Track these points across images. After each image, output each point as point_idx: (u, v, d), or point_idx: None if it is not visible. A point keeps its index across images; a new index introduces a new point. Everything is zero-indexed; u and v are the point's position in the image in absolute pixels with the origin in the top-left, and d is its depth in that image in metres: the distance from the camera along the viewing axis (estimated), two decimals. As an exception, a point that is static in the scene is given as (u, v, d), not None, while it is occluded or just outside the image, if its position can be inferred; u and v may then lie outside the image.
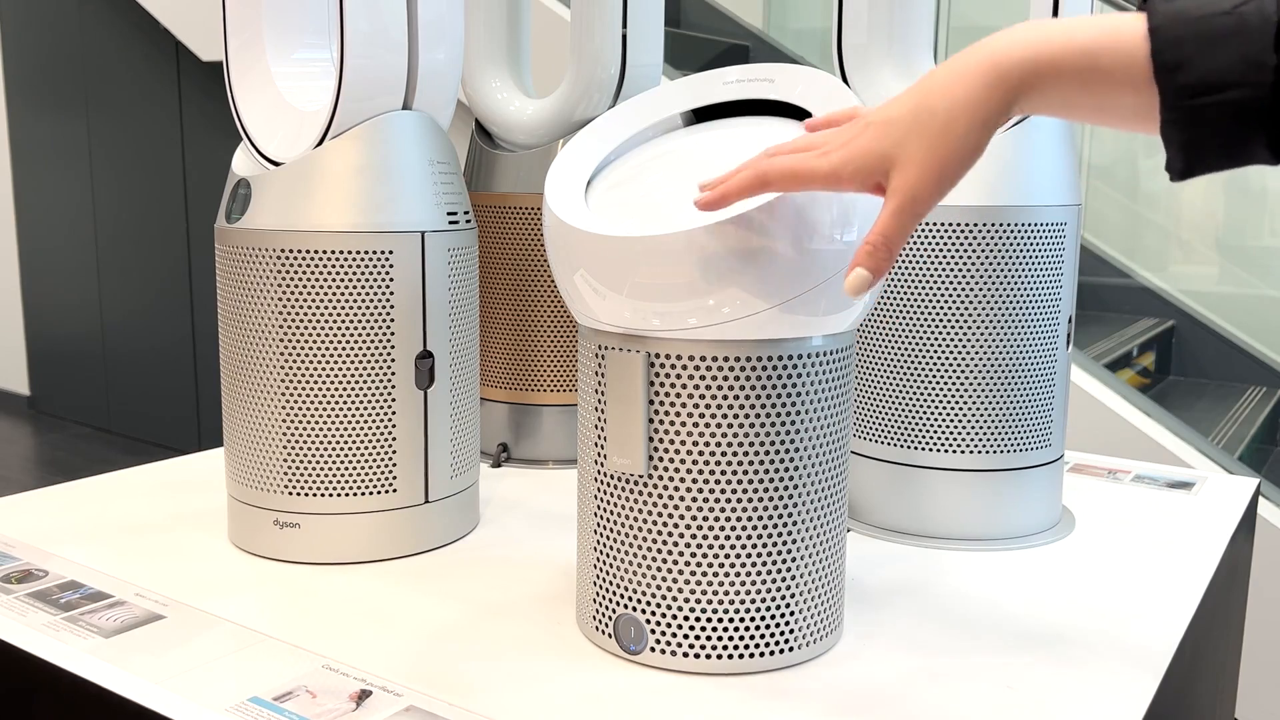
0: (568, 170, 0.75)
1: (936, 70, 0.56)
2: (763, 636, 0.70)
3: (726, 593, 0.69)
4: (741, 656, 0.70)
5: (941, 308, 0.93)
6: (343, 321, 0.85)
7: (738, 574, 0.69)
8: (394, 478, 0.89)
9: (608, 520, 0.72)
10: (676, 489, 0.69)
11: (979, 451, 0.94)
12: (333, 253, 0.85)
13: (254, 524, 0.89)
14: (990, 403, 0.94)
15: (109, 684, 0.68)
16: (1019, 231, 0.91)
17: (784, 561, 0.70)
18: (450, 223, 0.90)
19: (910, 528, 0.96)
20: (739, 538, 0.69)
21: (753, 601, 0.70)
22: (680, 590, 0.70)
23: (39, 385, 4.43)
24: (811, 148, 0.59)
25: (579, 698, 0.67)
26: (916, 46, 1.02)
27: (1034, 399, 0.95)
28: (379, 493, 0.88)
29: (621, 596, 0.72)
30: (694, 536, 0.69)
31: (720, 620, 0.70)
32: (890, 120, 0.55)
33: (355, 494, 0.88)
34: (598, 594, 0.74)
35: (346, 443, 0.87)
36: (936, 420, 0.94)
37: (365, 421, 0.87)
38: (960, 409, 0.94)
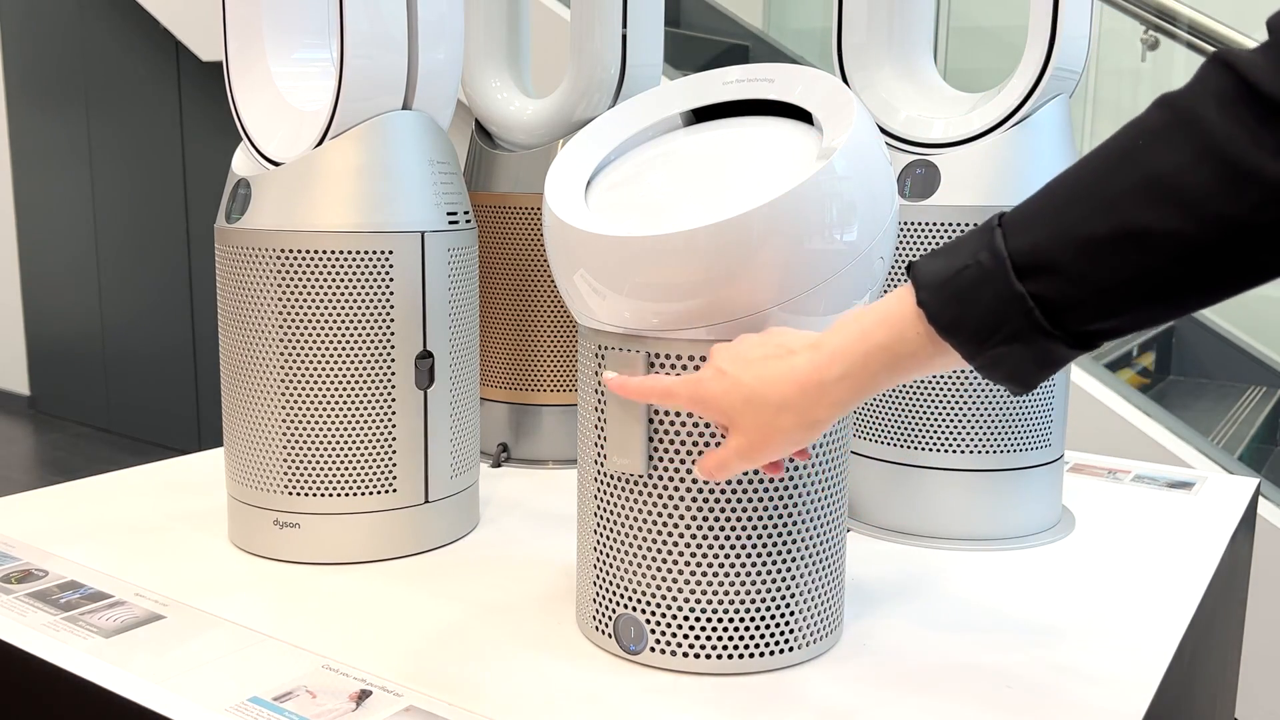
0: (568, 170, 0.75)
1: (771, 355, 0.60)
2: (763, 636, 0.70)
3: (726, 593, 0.69)
4: (741, 656, 0.70)
5: (941, 308, 0.93)
6: (343, 321, 0.85)
7: (738, 574, 0.69)
8: (394, 478, 0.89)
9: (608, 520, 0.72)
10: (676, 489, 0.69)
11: (979, 451, 0.94)
12: (333, 253, 0.85)
13: (254, 524, 0.89)
14: (990, 403, 0.94)
15: (109, 684, 0.68)
16: (1019, 231, 0.91)
17: (784, 561, 0.70)
18: (450, 223, 0.90)
19: (910, 528, 0.96)
20: (739, 538, 0.69)
21: (753, 601, 0.70)
22: (680, 590, 0.70)
23: (39, 385, 4.43)
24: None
25: (579, 698, 0.67)
26: (916, 46, 1.02)
27: (1034, 399, 0.95)
28: (379, 493, 0.88)
29: (621, 596, 0.72)
30: (694, 536, 0.69)
31: (720, 620, 0.70)
32: (731, 386, 0.60)
33: (355, 494, 0.88)
34: (598, 594, 0.74)
35: (346, 443, 0.87)
36: (936, 420, 0.94)
37: (365, 421, 0.87)
38: (960, 409, 0.94)
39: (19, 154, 4.30)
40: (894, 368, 0.56)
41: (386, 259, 0.86)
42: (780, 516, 0.69)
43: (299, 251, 0.85)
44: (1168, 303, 0.50)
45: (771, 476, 0.68)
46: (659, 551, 0.70)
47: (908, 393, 0.95)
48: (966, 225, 0.91)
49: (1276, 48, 0.46)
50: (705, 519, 0.68)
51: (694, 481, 0.68)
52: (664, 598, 0.70)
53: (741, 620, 0.70)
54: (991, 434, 0.94)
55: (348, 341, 0.86)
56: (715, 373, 0.61)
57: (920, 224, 0.93)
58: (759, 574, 0.69)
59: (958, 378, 0.93)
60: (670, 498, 0.69)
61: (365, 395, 0.87)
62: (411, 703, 0.66)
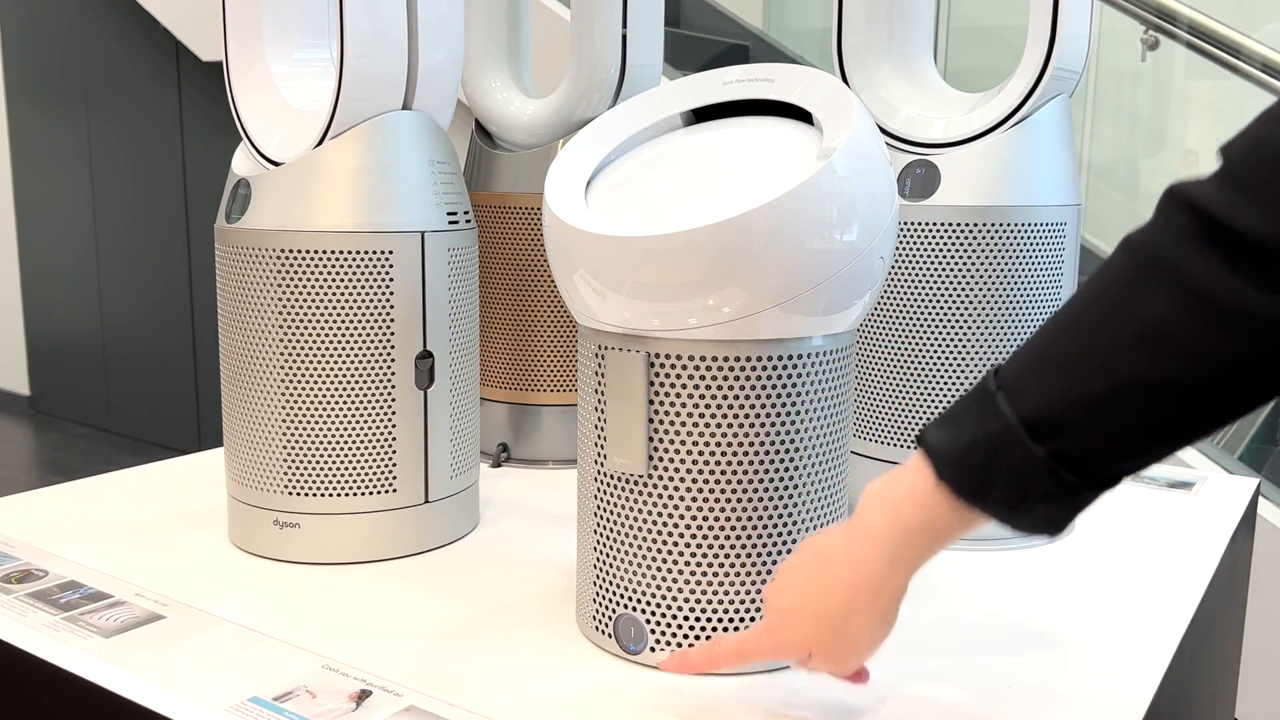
0: (568, 170, 0.75)
1: (815, 572, 0.60)
2: (763, 636, 0.70)
3: (726, 593, 0.69)
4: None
5: (941, 308, 0.93)
6: (343, 321, 0.85)
7: (738, 574, 0.69)
8: (394, 478, 0.89)
9: (608, 520, 0.72)
10: (676, 489, 0.69)
11: (979, 451, 0.94)
12: (333, 253, 0.85)
13: (254, 524, 0.89)
14: (990, 403, 0.93)
15: (109, 684, 0.68)
16: (1019, 231, 0.91)
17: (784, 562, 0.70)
18: (450, 223, 0.90)
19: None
20: (739, 538, 0.69)
21: (753, 601, 0.70)
22: (680, 590, 0.70)
23: (39, 385, 4.43)
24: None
25: (579, 698, 0.67)
26: (916, 46, 1.02)
27: (1034, 399, 0.94)
28: (379, 493, 0.88)
29: (621, 596, 0.72)
30: (694, 536, 0.69)
31: (720, 620, 0.70)
32: (798, 620, 0.60)
33: (355, 494, 0.88)
34: (598, 594, 0.74)
35: (346, 443, 0.87)
36: (936, 420, 0.94)
37: (365, 421, 0.87)
38: (960, 409, 0.93)
39: (19, 154, 4.29)
40: (934, 542, 0.56)
41: (386, 259, 0.86)
42: (780, 517, 0.69)
43: (299, 251, 0.85)
44: (1184, 439, 0.50)
45: (772, 476, 0.68)
46: (659, 551, 0.70)
47: (908, 393, 0.95)
48: (966, 225, 0.91)
49: (1231, 177, 0.46)
50: (705, 519, 0.68)
51: (694, 481, 0.68)
52: (664, 598, 0.70)
53: (741, 620, 0.70)
54: (991, 434, 0.94)
55: (348, 341, 0.86)
56: (781, 616, 0.61)
57: (920, 224, 0.93)
58: (759, 574, 0.69)
59: (958, 378, 0.93)
60: (670, 498, 0.69)
61: (365, 395, 0.87)
62: (411, 703, 0.66)
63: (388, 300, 0.86)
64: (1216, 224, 0.46)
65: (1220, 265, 0.45)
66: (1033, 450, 0.50)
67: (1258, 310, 0.45)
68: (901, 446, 0.96)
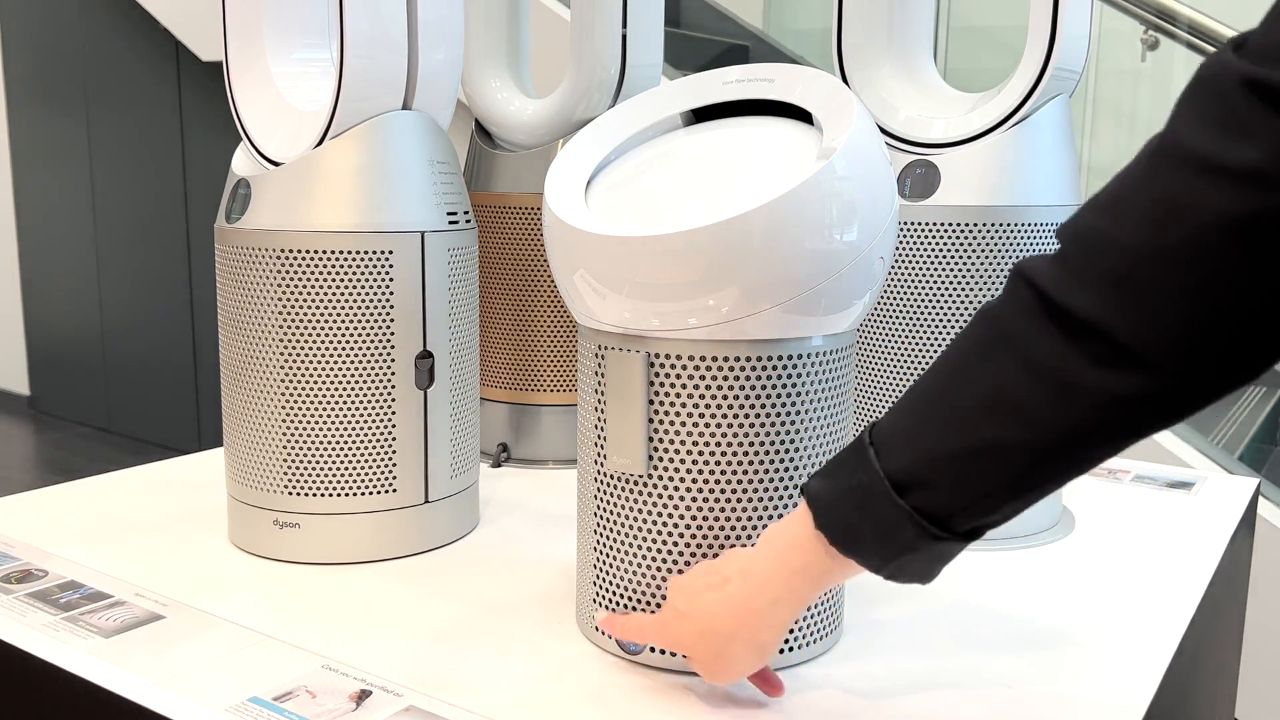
0: (568, 170, 0.75)
1: (712, 585, 0.64)
2: (763, 636, 0.70)
3: (726, 593, 0.69)
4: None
5: (941, 308, 0.93)
6: (343, 321, 0.85)
7: (738, 574, 0.69)
8: (394, 478, 0.89)
9: (608, 520, 0.72)
10: (676, 489, 0.69)
11: (979, 451, 0.94)
12: (333, 253, 0.85)
13: (254, 524, 0.89)
14: (990, 403, 0.93)
15: (109, 684, 0.68)
16: (1019, 231, 0.91)
17: (784, 561, 0.70)
18: (450, 223, 0.90)
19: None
20: (739, 538, 0.69)
21: (753, 601, 0.69)
22: (680, 590, 0.69)
23: (39, 385, 4.43)
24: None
25: (579, 698, 0.67)
26: (916, 46, 1.02)
27: (1034, 399, 0.94)
28: (379, 493, 0.88)
29: (621, 596, 0.72)
30: (694, 536, 0.69)
31: (720, 620, 0.69)
32: (687, 624, 0.64)
33: (355, 494, 0.88)
34: (598, 594, 0.74)
35: (346, 443, 0.87)
36: (936, 420, 0.94)
37: (365, 421, 0.87)
38: (960, 409, 0.93)
39: (19, 154, 4.29)
40: (817, 585, 0.60)
41: (386, 259, 0.86)
42: (780, 516, 0.69)
43: (299, 251, 0.85)
44: (1038, 493, 0.53)
45: (772, 476, 0.68)
46: (659, 551, 0.70)
47: (908, 393, 0.95)
48: (966, 225, 0.91)
49: (1062, 259, 0.49)
50: (705, 519, 0.68)
51: (694, 481, 0.68)
52: (664, 598, 0.70)
53: (741, 620, 0.70)
54: (991, 434, 0.94)
55: (348, 341, 0.86)
56: (673, 614, 0.65)
57: (920, 224, 0.93)
58: (759, 574, 0.69)
59: (958, 378, 0.93)
60: (670, 498, 0.69)
61: (365, 395, 0.87)
62: (411, 703, 0.66)
63: (388, 300, 0.86)
64: (1051, 302, 0.49)
65: (1057, 340, 0.49)
66: (898, 503, 0.54)
67: (1091, 383, 0.49)
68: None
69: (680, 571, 0.69)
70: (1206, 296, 0.45)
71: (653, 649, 0.70)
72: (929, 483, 0.54)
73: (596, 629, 0.73)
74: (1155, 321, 0.46)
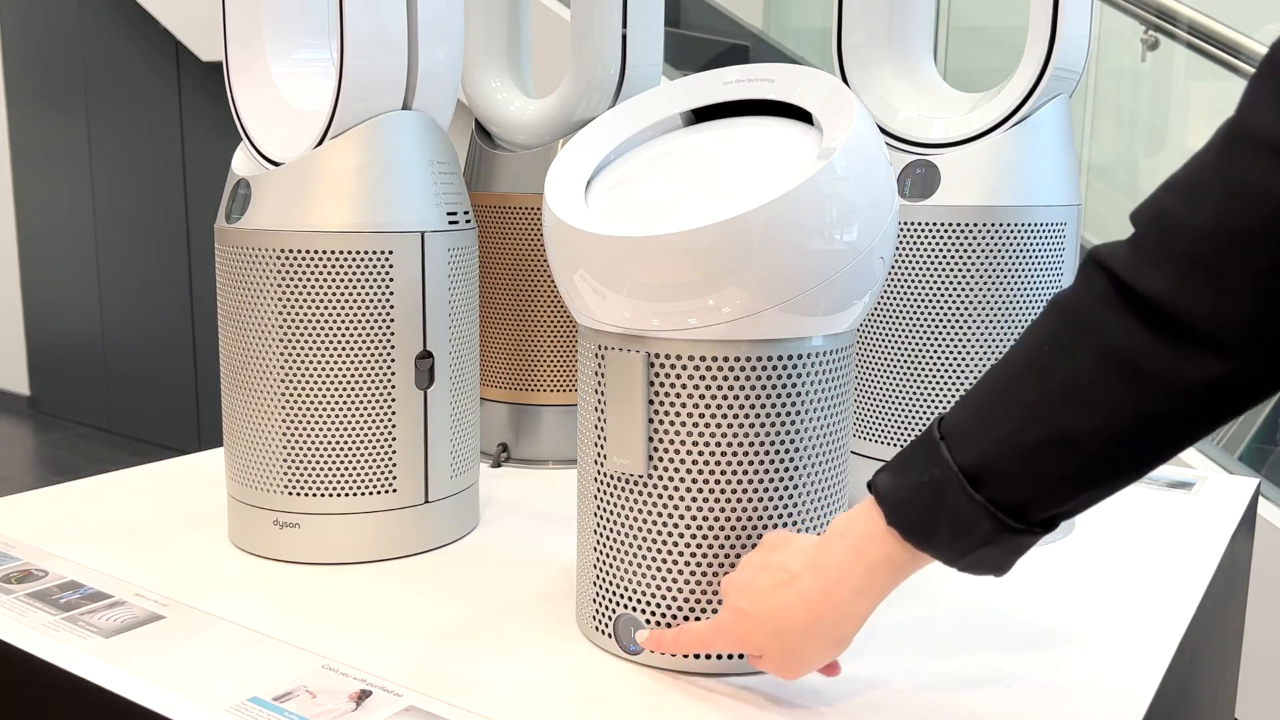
0: (568, 170, 0.75)
1: (779, 583, 0.62)
2: (763, 636, 0.70)
3: (726, 593, 0.69)
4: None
5: (941, 308, 0.93)
6: (343, 321, 0.85)
7: (738, 574, 0.69)
8: (394, 478, 0.89)
9: (608, 520, 0.72)
10: (676, 489, 0.69)
11: (979, 451, 0.94)
12: (333, 253, 0.85)
13: (254, 524, 0.89)
14: (990, 403, 0.93)
15: (109, 684, 0.68)
16: (1019, 231, 0.91)
17: (784, 561, 0.70)
18: (450, 223, 0.90)
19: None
20: (739, 538, 0.69)
21: (753, 601, 0.69)
22: (680, 590, 0.70)
23: (39, 385, 4.43)
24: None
25: (579, 698, 0.67)
26: (916, 46, 1.02)
27: (1034, 399, 0.94)
28: (379, 493, 0.88)
29: (621, 596, 0.72)
30: (694, 536, 0.69)
31: (720, 620, 0.69)
32: (756, 624, 0.63)
33: (355, 494, 0.88)
34: (598, 594, 0.74)
35: (346, 443, 0.87)
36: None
37: (365, 421, 0.87)
38: (960, 409, 0.93)
39: (19, 154, 4.29)
40: (899, 576, 0.60)
41: (386, 259, 0.86)
42: (780, 517, 0.69)
43: (299, 251, 0.85)
44: (1112, 485, 0.54)
45: (772, 476, 0.68)
46: (659, 551, 0.70)
47: (907, 393, 0.95)
48: (966, 225, 0.91)
49: (1137, 244, 0.50)
50: (705, 519, 0.68)
51: (694, 481, 0.68)
52: (664, 598, 0.70)
53: (741, 620, 0.70)
54: (991, 434, 0.94)
55: (348, 341, 0.86)
56: (736, 615, 0.64)
57: (920, 224, 0.93)
58: (759, 574, 0.69)
59: (958, 378, 0.93)
60: (670, 498, 0.69)
61: (365, 395, 0.87)
62: (411, 703, 0.66)
63: (388, 300, 0.86)
64: (1128, 288, 0.50)
65: (1133, 326, 0.49)
66: (974, 497, 0.54)
67: (1167, 369, 0.49)
68: (901, 446, 0.96)
69: (680, 570, 0.69)
70: (1277, 280, 0.45)
71: (652, 649, 0.70)
72: (1003, 475, 0.54)
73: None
74: (1231, 305, 0.46)
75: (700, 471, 0.68)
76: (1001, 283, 0.92)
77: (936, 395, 0.94)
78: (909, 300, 0.94)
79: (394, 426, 0.88)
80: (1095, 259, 0.51)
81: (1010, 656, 0.74)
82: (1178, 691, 0.78)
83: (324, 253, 0.85)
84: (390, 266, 0.86)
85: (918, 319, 0.94)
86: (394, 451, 0.88)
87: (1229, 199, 0.46)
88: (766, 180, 0.68)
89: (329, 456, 0.87)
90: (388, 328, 0.87)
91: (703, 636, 0.66)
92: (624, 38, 1.11)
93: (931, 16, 1.02)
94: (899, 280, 0.95)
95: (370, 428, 0.87)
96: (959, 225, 0.92)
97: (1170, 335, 0.48)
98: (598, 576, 0.73)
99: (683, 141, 0.76)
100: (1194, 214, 0.47)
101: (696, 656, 0.70)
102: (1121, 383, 0.50)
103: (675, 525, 0.69)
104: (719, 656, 0.70)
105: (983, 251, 0.92)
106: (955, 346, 0.93)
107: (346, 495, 0.88)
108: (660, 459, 0.69)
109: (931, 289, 0.93)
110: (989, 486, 0.54)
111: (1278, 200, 0.45)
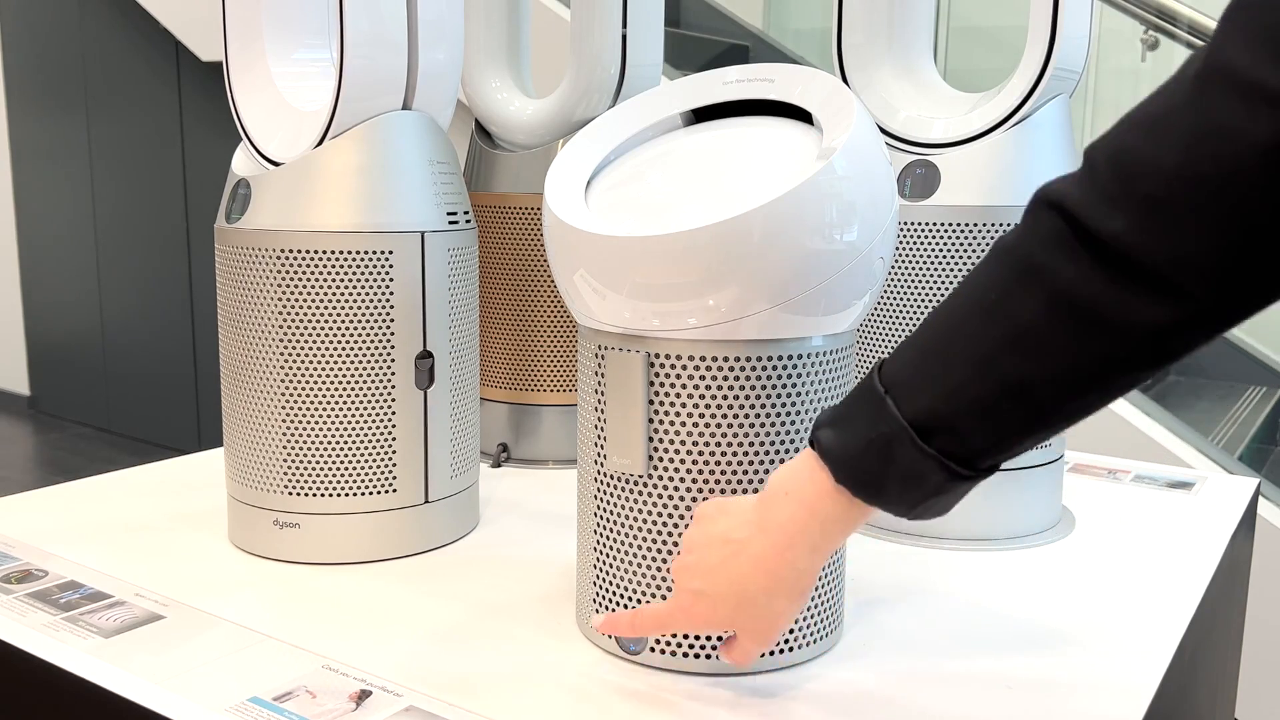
0: (568, 170, 0.75)
1: (728, 556, 0.61)
2: (763, 636, 0.70)
3: (726, 593, 0.69)
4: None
5: (941, 308, 0.93)
6: (343, 321, 0.85)
7: (738, 574, 0.69)
8: (394, 478, 0.89)
9: (608, 520, 0.72)
10: (676, 489, 0.69)
11: (979, 451, 0.94)
12: (333, 253, 0.85)
13: (254, 524, 0.89)
14: (990, 403, 0.93)
15: (109, 684, 0.68)
16: (1019, 231, 0.91)
17: (784, 561, 0.69)
18: (450, 223, 0.90)
19: (910, 528, 0.96)
20: (739, 538, 0.68)
21: (753, 601, 0.69)
22: (680, 590, 0.69)
23: (39, 385, 4.43)
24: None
25: (579, 698, 0.67)
26: (916, 46, 1.02)
27: (1034, 399, 0.94)
28: (379, 493, 0.88)
29: (621, 596, 0.72)
30: (694, 536, 0.69)
31: (720, 620, 0.69)
32: (716, 603, 0.62)
33: (355, 494, 0.88)
34: (598, 594, 0.74)
35: (346, 443, 0.87)
36: (936, 420, 0.94)
37: (365, 421, 0.87)
38: (960, 409, 0.93)
39: (19, 154, 4.30)
40: (851, 527, 0.60)
41: (386, 259, 0.86)
42: (780, 516, 0.69)
43: (299, 251, 0.85)
44: (1061, 429, 0.53)
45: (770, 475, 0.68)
46: (659, 551, 0.70)
47: (908, 393, 0.95)
48: (966, 225, 0.91)
49: (1093, 182, 0.48)
50: (705, 519, 0.68)
51: (694, 481, 0.68)
52: (664, 598, 0.70)
53: (741, 620, 0.70)
54: (991, 434, 0.94)
55: (348, 341, 0.86)
56: (694, 597, 0.63)
57: (920, 224, 0.93)
58: (759, 574, 0.69)
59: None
60: (670, 498, 0.69)
61: (365, 395, 0.87)
62: (411, 703, 0.66)
63: (388, 300, 0.86)
64: (1082, 228, 0.48)
65: (1086, 269, 0.48)
66: (924, 450, 0.54)
67: (1124, 313, 0.48)
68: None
69: (680, 571, 0.69)
70: (1240, 223, 0.45)
71: (653, 649, 0.70)
72: (956, 428, 0.53)
73: (604, 633, 0.73)
74: (1193, 249, 0.46)
75: (700, 471, 0.68)
76: (1001, 283, 0.92)
77: (936, 395, 0.94)
78: (909, 300, 0.94)
79: (394, 426, 0.88)
80: (1047, 200, 0.50)
81: (1010, 656, 0.74)
82: (1178, 691, 0.78)
83: (324, 253, 0.85)
84: (390, 266, 0.86)
85: (918, 319, 0.94)
86: (394, 451, 0.88)
87: (1199, 141, 0.45)
88: (766, 180, 0.68)
89: (329, 456, 0.87)
90: (388, 328, 0.87)
91: (660, 618, 0.65)
92: (624, 38, 1.11)
93: (931, 16, 1.02)
94: (899, 280, 0.95)
95: (370, 428, 0.87)
96: (959, 225, 0.92)
97: (1126, 277, 0.47)
98: (598, 576, 0.73)
99: (683, 141, 0.76)
100: (1160, 154, 0.46)
101: (653, 649, 0.70)
102: (1075, 328, 0.49)
103: (675, 525, 0.69)
104: (719, 656, 0.70)
105: (982, 251, 0.91)
106: (955, 346, 0.93)
107: (346, 495, 0.88)
108: (660, 459, 0.69)
109: (931, 289, 0.93)
110: (940, 439, 0.53)
111: (1248, 143, 0.44)
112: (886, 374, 0.55)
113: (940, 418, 0.53)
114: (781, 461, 0.68)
